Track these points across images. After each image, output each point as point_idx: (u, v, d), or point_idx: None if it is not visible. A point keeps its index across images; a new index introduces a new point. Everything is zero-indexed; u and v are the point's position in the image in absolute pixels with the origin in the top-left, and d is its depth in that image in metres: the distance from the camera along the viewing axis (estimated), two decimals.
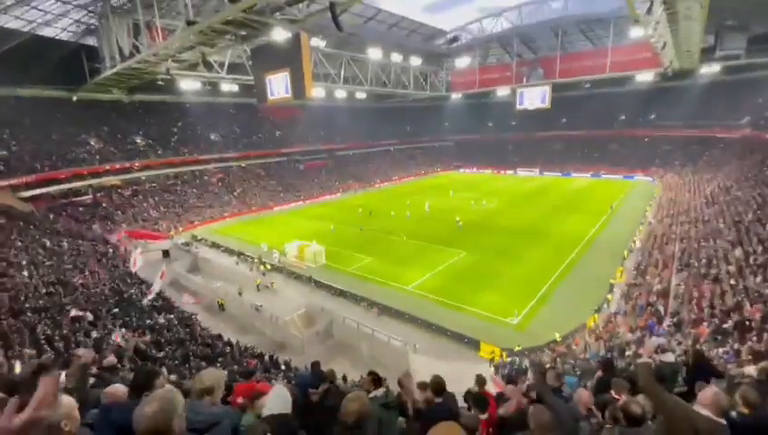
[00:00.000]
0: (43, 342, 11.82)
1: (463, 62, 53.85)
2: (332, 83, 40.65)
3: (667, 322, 15.33)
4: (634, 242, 28.31)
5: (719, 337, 11.90)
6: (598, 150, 65.12)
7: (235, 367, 12.98)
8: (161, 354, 13.22)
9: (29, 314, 14.55)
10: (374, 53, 41.74)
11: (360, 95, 53.66)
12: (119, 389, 3.14)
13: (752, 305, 12.82)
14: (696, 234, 23.65)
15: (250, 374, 7.06)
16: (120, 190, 41.24)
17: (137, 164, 42.61)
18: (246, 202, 47.78)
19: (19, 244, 23.55)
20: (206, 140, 52.37)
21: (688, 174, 46.00)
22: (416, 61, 48.49)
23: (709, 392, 2.49)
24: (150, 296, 18.58)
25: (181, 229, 38.10)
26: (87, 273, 22.00)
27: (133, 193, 41.81)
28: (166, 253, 31.73)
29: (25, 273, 19.49)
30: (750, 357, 6.73)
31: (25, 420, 1.22)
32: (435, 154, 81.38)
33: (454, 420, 3.29)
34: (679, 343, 12.40)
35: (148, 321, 16.92)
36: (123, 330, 14.77)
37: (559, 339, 16.70)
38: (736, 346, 10.46)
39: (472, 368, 13.86)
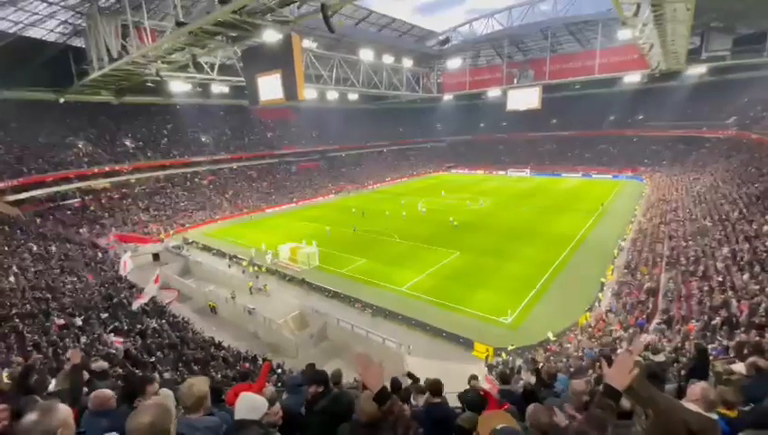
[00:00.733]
0: (30, 348, 11.60)
1: (454, 63, 54.16)
2: (324, 85, 40.56)
3: (656, 319, 15.55)
4: (624, 240, 28.67)
5: (708, 334, 12.08)
6: (588, 151, 65.92)
7: (229, 371, 12.86)
8: (153, 359, 13.05)
9: (16, 319, 14.26)
10: (366, 55, 41.78)
11: (353, 96, 53.72)
12: (105, 394, 3.08)
13: (739, 302, 13.05)
14: (684, 232, 24.03)
15: (245, 376, 7.01)
16: (108, 193, 40.67)
17: (126, 167, 42.03)
18: (238, 204, 47.43)
19: (5, 249, 23.08)
20: (197, 141, 51.89)
21: (676, 173, 46.74)
22: (407, 62, 48.63)
23: (697, 388, 2.52)
24: (143, 301, 18.32)
25: (172, 232, 37.67)
26: (75, 277, 21.64)
27: (122, 196, 41.26)
28: (156, 256, 31.34)
29: (12, 278, 19.10)
30: (746, 352, 6.81)
31: None
32: (427, 155, 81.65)
33: (452, 420, 3.30)
34: (669, 341, 12.59)
35: (139, 326, 16.69)
36: (113, 335, 14.55)
37: (552, 338, 16.83)
38: (725, 342, 10.64)
39: (466, 367, 13.91)
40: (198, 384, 2.40)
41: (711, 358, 5.95)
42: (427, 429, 3.35)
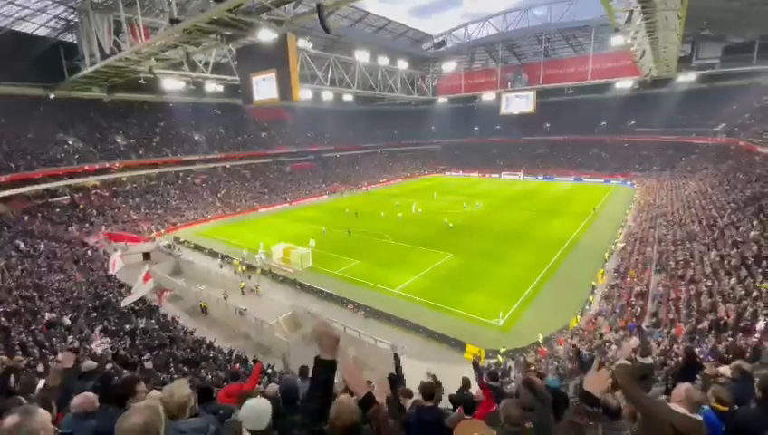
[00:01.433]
0: (17, 347, 11.39)
1: (449, 66, 54.50)
2: (319, 85, 40.53)
3: (645, 322, 15.74)
4: (614, 244, 29.00)
5: (696, 337, 12.27)
6: (580, 155, 66.63)
7: (220, 372, 12.75)
8: (144, 358, 12.89)
9: (2, 318, 14.00)
10: (361, 56, 41.86)
11: (348, 97, 53.76)
12: (89, 396, 3.04)
13: (726, 306, 13.27)
14: (674, 236, 24.38)
15: (235, 377, 6.95)
16: (99, 191, 40.15)
17: (117, 164, 41.53)
18: (231, 204, 47.11)
19: None
20: (190, 140, 51.47)
21: (666, 178, 47.43)
22: (403, 64, 48.82)
23: (681, 389, 2.56)
24: (132, 299, 18.08)
25: (163, 231, 37.28)
26: (63, 276, 21.32)
27: (113, 194, 40.77)
28: (147, 255, 30.98)
29: None
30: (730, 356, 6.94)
31: None
32: (421, 157, 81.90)
33: (442, 422, 3.31)
34: (658, 344, 12.75)
35: (128, 326, 16.48)
36: (101, 334, 14.34)
37: (541, 340, 16.95)
38: (712, 345, 10.81)
39: (458, 369, 13.94)
40: (178, 390, 2.36)
41: (699, 360, 6.03)
42: (418, 433, 3.35)
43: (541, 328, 17.81)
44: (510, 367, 15.09)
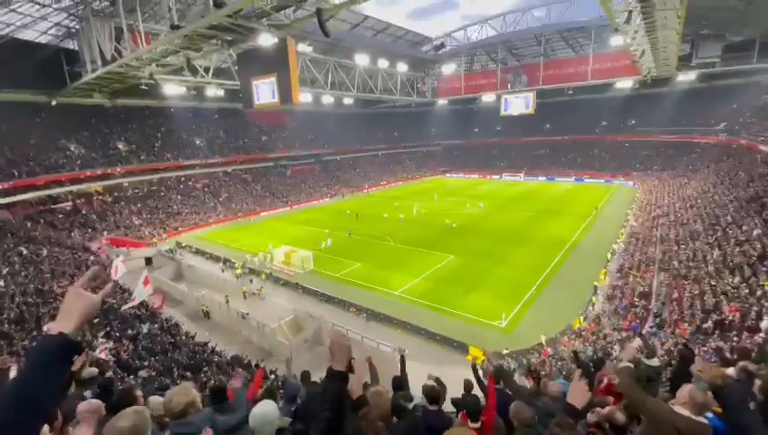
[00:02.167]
0: (21, 353, 11.40)
1: (449, 68, 54.62)
2: (319, 89, 40.65)
3: (649, 322, 15.68)
4: (616, 244, 28.92)
5: (700, 337, 12.20)
6: (581, 155, 66.57)
7: (222, 377, 12.72)
8: (145, 364, 12.89)
9: (6, 324, 14.03)
10: (361, 59, 41.97)
11: (348, 101, 53.86)
12: (93, 403, 3.02)
13: (729, 305, 13.21)
14: (676, 236, 24.31)
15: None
16: (101, 197, 40.28)
17: (119, 170, 41.66)
18: (232, 208, 47.19)
19: None
20: (191, 145, 51.62)
21: (667, 178, 47.33)
22: (402, 67, 48.94)
23: (685, 391, 2.53)
24: (132, 304, 18.08)
25: (165, 236, 37.35)
26: (66, 282, 21.34)
27: (115, 200, 40.88)
28: (149, 260, 31.02)
29: (1, 282, 18.82)
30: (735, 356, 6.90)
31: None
32: (422, 159, 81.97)
33: (449, 427, 3.27)
34: (663, 344, 12.68)
35: (130, 331, 16.49)
36: (104, 340, 14.36)
37: (544, 342, 16.88)
38: (717, 345, 10.74)
39: (460, 371, 13.88)
40: (177, 397, 2.37)
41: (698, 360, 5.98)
42: None
43: (543, 329, 17.75)
44: (514, 369, 15.02)
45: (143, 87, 32.30)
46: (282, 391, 5.76)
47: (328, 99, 47.79)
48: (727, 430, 2.69)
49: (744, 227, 19.24)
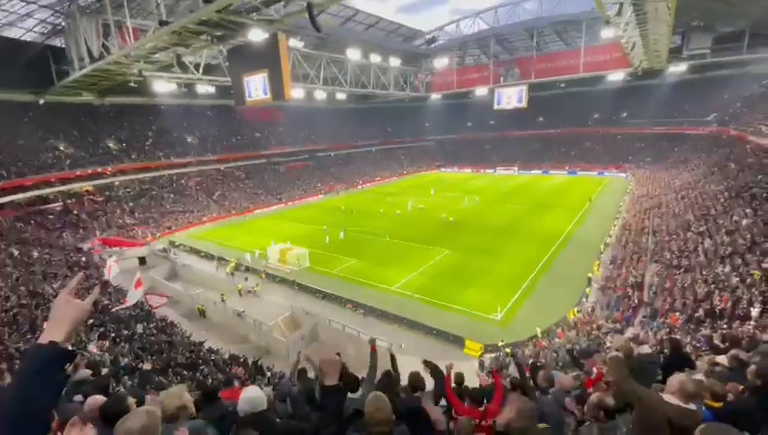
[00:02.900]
0: (16, 356, 11.30)
1: (441, 62, 54.44)
2: (312, 84, 40.36)
3: (642, 312, 15.88)
4: (609, 236, 29.19)
5: (692, 326, 12.39)
6: (573, 148, 66.89)
7: (219, 376, 12.71)
8: (142, 365, 12.82)
9: None
10: (353, 54, 41.70)
11: (341, 96, 53.56)
12: (99, 400, 3.02)
13: (721, 294, 13.40)
14: (668, 227, 24.58)
15: (229, 383, 6.95)
16: (92, 196, 39.79)
17: (110, 169, 41.16)
18: (226, 206, 46.88)
19: None
20: (183, 142, 51.11)
21: (659, 169, 47.74)
22: (395, 61, 48.71)
23: (675, 380, 2.56)
24: (125, 306, 17.97)
25: (158, 235, 37.04)
26: (59, 283, 21.13)
27: (106, 199, 40.42)
28: (142, 260, 30.80)
29: None
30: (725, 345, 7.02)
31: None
32: (416, 154, 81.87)
33: (423, 414, 3.34)
34: (655, 333, 12.86)
35: (126, 331, 16.39)
36: (99, 342, 14.26)
37: (539, 334, 17.04)
38: (708, 333, 10.91)
39: (458, 365, 13.99)
40: (169, 400, 2.39)
41: (694, 350, 6.08)
42: (406, 423, 3.35)
43: (539, 322, 17.92)
44: (509, 361, 15.16)
45: (132, 84, 31.87)
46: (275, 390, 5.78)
47: (321, 94, 47.46)
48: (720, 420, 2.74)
49: (735, 217, 19.49)
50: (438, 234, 32.90)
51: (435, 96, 61.90)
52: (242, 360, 16.03)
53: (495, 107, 50.14)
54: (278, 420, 3.02)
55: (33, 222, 32.50)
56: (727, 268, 15.06)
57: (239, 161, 55.69)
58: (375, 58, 45.02)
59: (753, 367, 3.38)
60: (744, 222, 18.19)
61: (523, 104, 46.90)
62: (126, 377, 10.18)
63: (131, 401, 3.04)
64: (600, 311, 17.94)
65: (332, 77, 43.04)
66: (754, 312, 11.36)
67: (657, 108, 58.43)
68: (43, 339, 1.22)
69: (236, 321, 20.76)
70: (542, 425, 2.71)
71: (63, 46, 30.72)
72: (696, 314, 12.93)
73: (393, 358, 5.12)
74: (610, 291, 19.74)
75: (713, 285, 14.38)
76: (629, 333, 13.26)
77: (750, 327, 10.56)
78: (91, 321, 16.57)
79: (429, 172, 74.88)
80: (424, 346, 17.41)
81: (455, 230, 33.82)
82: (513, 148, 72.87)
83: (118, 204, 40.47)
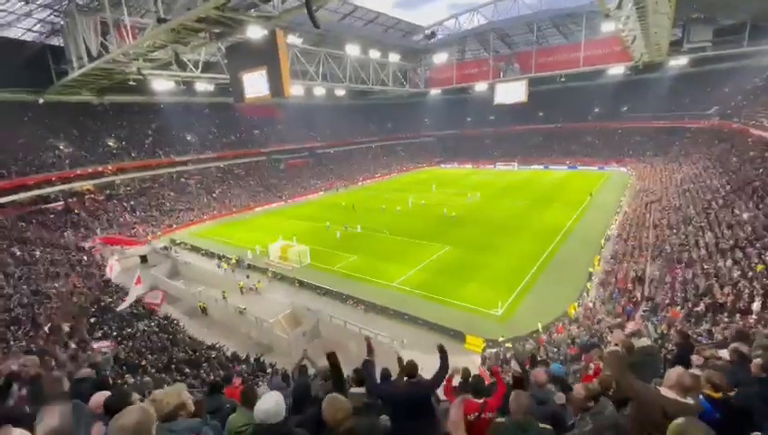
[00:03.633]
0: (18, 353, 11.33)
1: (440, 57, 54.11)
2: (311, 81, 40.20)
3: (642, 306, 15.89)
4: (610, 230, 29.16)
5: (692, 320, 12.40)
6: (574, 143, 66.73)
7: (221, 372, 12.78)
8: (143, 362, 12.90)
9: (1, 327, 13.94)
10: (352, 50, 41.50)
11: (340, 92, 53.33)
12: (104, 395, 3.04)
13: (722, 288, 13.40)
14: (669, 221, 24.54)
15: (228, 379, 6.98)
16: (92, 195, 39.84)
17: (110, 168, 41.19)
18: (226, 204, 46.91)
19: None
20: (183, 141, 51.08)
21: (660, 163, 47.61)
22: (394, 57, 48.47)
23: (673, 374, 2.56)
24: (125, 305, 18.03)
25: (159, 234, 37.12)
26: (61, 282, 21.22)
27: (107, 198, 40.46)
28: (144, 258, 30.89)
29: None
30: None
31: None
32: (416, 150, 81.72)
33: (426, 399, 3.46)
34: (656, 327, 12.88)
35: (128, 329, 16.46)
36: (101, 341, 14.34)
37: (540, 329, 17.08)
38: (709, 327, 10.93)
39: (459, 360, 14.05)
40: (168, 398, 2.38)
41: (695, 344, 6.09)
42: (404, 407, 3.53)
43: (540, 317, 17.96)
44: (510, 356, 15.21)
45: (131, 83, 31.80)
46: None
47: (320, 91, 47.27)
48: (719, 412, 2.75)
49: (736, 211, 19.46)
50: (439, 230, 32.91)
51: (434, 91, 61.55)
52: (243, 357, 16.10)
53: (496, 102, 49.92)
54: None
55: (34, 221, 32.57)
56: (728, 262, 15.05)
57: (239, 159, 55.68)
58: (374, 54, 44.81)
59: (758, 360, 3.38)
60: (746, 215, 18.16)
61: (523, 99, 46.69)
62: (128, 375, 10.24)
63: (136, 396, 3.07)
64: (601, 305, 17.95)
65: (331, 73, 42.85)
66: (755, 305, 11.36)
67: (658, 102, 58.19)
68: None
69: (238, 318, 20.84)
70: (543, 426, 2.75)
71: (62, 45, 30.61)
72: (697, 309, 12.93)
73: (400, 360, 5.13)
74: (611, 286, 19.75)
75: (714, 279, 14.38)
76: (630, 327, 13.28)
77: (752, 321, 10.57)
78: (93, 320, 16.67)
79: (429, 168, 74.80)
80: (425, 342, 17.45)
81: (455, 226, 33.82)
82: (513, 143, 72.75)
83: (118, 202, 40.52)
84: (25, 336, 13.64)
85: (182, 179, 48.39)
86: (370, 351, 4.32)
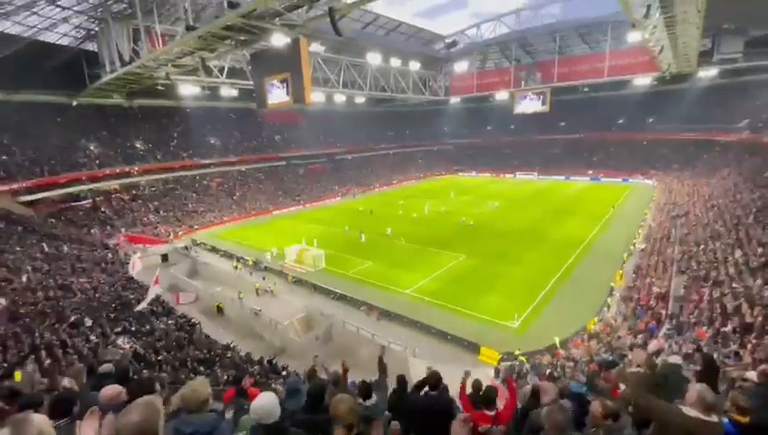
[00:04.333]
0: (42, 347, 11.75)
1: (461, 66, 54.06)
2: (332, 88, 40.76)
3: (666, 325, 15.30)
4: (633, 245, 28.29)
5: (719, 340, 11.86)
6: (597, 154, 65.39)
7: (235, 372, 12.91)
8: (160, 358, 13.16)
9: (27, 319, 14.49)
10: (373, 58, 41.89)
11: (360, 99, 53.85)
12: (115, 389, 3.11)
13: (751, 308, 12.79)
14: (696, 236, 23.66)
15: (239, 380, 7.06)
16: (119, 195, 41.25)
17: (136, 169, 42.63)
18: (246, 206, 47.77)
19: (18, 249, 23.52)
20: (206, 144, 52.46)
21: (687, 177, 46.09)
22: (414, 65, 48.68)
23: (693, 392, 2.46)
24: (144, 304, 18.45)
25: (180, 234, 38.06)
26: (86, 278, 21.94)
27: (132, 198, 41.82)
28: (165, 257, 31.66)
29: (24, 278, 19.43)
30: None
31: None
32: (434, 158, 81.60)
33: (448, 410, 3.44)
34: (680, 347, 12.37)
35: (147, 326, 16.85)
36: (121, 337, 14.71)
37: (558, 344, 16.64)
38: (737, 349, 10.43)
39: (473, 373, 13.79)
40: (200, 388, 2.43)
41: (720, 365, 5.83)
42: (424, 418, 3.62)
43: (557, 331, 17.51)
44: (527, 370, 14.86)
45: (159, 87, 32.97)
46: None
47: (340, 98, 47.83)
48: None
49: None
50: (456, 238, 32.63)
51: (454, 100, 61.42)
52: (257, 359, 16.23)
53: (516, 111, 49.42)
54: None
55: (63, 218, 33.92)
56: (758, 281, 14.38)
57: (260, 163, 56.75)
58: (395, 62, 45.13)
59: None
60: None
61: (545, 109, 46.06)
62: (145, 371, 10.46)
63: (158, 386, 3.12)
64: (623, 321, 17.38)
65: (352, 81, 43.34)
66: None
67: (686, 113, 56.44)
68: None
69: (253, 319, 21.08)
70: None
71: (96, 50, 32.04)
72: (725, 329, 12.37)
73: (380, 359, 5.15)
74: (633, 302, 19.11)
75: (742, 299, 13.74)
76: (653, 345, 12.80)
77: None
78: (114, 315, 17.13)
79: (447, 176, 74.44)
80: (438, 352, 17.26)
81: (473, 235, 33.47)
82: (533, 152, 71.78)
83: (143, 202, 41.80)
84: (50, 328, 14.12)
85: (204, 182, 49.61)
86: (383, 371, 4.33)
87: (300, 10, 16.47)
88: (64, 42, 34.17)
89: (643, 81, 45.52)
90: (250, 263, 28.80)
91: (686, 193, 37.89)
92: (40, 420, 1.77)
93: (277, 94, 19.22)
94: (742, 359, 9.44)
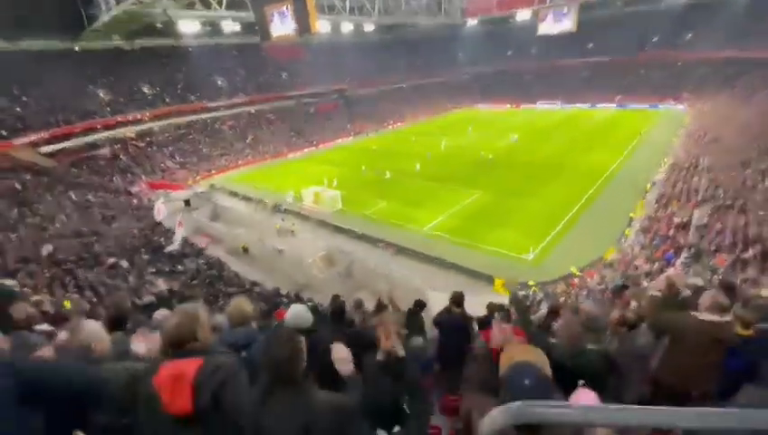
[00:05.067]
0: (85, 287, 12.74)
1: None
2: (338, 15, 38.07)
3: (685, 253, 15.26)
4: (658, 174, 27.38)
5: (739, 267, 11.83)
6: (626, 78, 60.63)
7: (264, 305, 13.82)
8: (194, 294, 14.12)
9: (67, 263, 15.54)
10: None
11: (368, 27, 50.38)
12: (165, 311, 3.49)
13: None
14: (725, 164, 22.60)
15: (276, 306, 7.62)
16: (134, 142, 41.51)
17: (147, 114, 42.30)
18: (260, 150, 47.56)
19: (48, 198, 24.52)
20: (213, 85, 51.07)
21: (723, 100, 42.81)
22: None
23: (707, 296, 2.51)
24: (173, 246, 19.38)
25: (199, 178, 38.68)
26: (116, 223, 23.00)
27: (148, 144, 42.04)
28: (187, 202, 32.54)
29: (58, 225, 20.51)
30: None
31: None
32: (449, 90, 77.28)
33: (466, 329, 4.13)
34: (698, 275, 12.42)
35: (180, 266, 17.89)
36: (158, 277, 15.71)
37: (576, 272, 16.93)
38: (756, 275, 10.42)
39: (485, 299, 14.36)
40: (243, 304, 2.72)
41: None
42: (446, 333, 4.45)
43: (574, 261, 17.74)
44: (540, 299, 15.37)
45: (159, 26, 31.48)
46: None
47: (346, 27, 44.78)
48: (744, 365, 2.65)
49: None
50: (475, 173, 32.13)
51: (471, 23, 56.71)
52: (284, 293, 17.25)
53: (540, 32, 45.51)
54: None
55: (85, 167, 34.70)
56: None
57: (268, 103, 55.30)
58: None
59: None
60: None
61: (572, 28, 42.20)
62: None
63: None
64: (641, 250, 17.40)
65: (359, 6, 40.23)
66: None
67: (730, 28, 50.66)
68: None
69: (277, 258, 22.02)
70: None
71: None
72: (745, 255, 12.25)
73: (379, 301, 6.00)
74: (651, 232, 18.95)
75: (767, 225, 13.41)
76: (669, 274, 12.90)
77: None
78: (147, 257, 18.17)
79: (464, 109, 71.17)
80: (453, 284, 17.81)
81: (492, 169, 32.89)
82: (556, 79, 67.14)
83: (158, 148, 42.03)
84: (89, 270, 15.17)
85: (216, 125, 49.09)
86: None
87: None
88: None
89: None
90: (270, 206, 29.39)
91: (720, 118, 35.49)
92: (92, 325, 1.99)
93: (281, 24, 18.18)
94: (760, 285, 9.46)
